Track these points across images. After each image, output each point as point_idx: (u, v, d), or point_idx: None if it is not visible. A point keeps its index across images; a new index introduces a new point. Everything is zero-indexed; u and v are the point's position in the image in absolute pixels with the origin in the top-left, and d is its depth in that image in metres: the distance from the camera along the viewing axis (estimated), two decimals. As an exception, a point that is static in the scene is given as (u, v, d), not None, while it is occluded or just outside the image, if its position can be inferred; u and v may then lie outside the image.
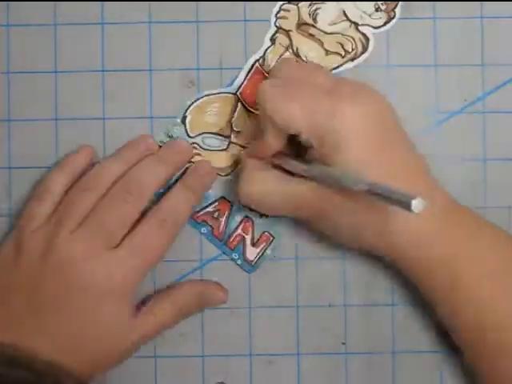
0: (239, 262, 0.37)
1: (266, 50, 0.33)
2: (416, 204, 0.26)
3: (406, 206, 0.26)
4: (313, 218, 0.33)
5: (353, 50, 0.32)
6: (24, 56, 0.38)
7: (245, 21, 0.37)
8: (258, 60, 0.34)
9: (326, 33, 0.32)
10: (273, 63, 0.33)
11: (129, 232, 0.33)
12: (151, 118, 0.38)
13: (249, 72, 0.34)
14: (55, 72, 0.38)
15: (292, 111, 0.30)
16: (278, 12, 0.32)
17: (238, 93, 0.34)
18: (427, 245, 0.31)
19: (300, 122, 0.30)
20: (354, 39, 0.32)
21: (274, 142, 0.32)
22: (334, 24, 0.31)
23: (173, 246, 0.34)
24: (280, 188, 0.32)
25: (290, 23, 0.32)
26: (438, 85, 0.38)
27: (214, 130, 0.35)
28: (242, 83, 0.34)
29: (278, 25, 0.32)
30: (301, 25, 0.31)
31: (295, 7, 0.32)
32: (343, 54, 0.32)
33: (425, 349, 0.37)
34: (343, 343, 0.37)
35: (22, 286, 0.32)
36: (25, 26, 0.38)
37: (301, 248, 0.37)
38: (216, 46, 0.38)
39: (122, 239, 0.33)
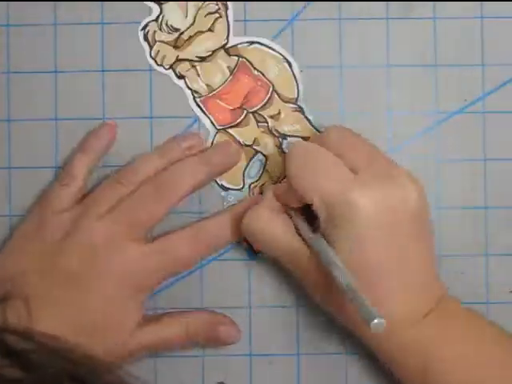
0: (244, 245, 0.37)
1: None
2: (375, 324, 0.26)
3: (367, 322, 0.26)
4: (302, 279, 0.33)
5: (216, 20, 0.35)
6: (24, 56, 0.38)
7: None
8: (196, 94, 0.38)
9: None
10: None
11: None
12: (151, 118, 0.38)
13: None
14: (55, 72, 0.38)
15: (307, 182, 0.30)
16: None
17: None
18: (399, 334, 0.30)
19: (311, 194, 0.30)
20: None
21: (294, 199, 0.32)
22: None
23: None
24: (282, 238, 0.32)
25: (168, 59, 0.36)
26: (438, 85, 0.38)
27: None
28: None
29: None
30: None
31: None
32: (213, 29, 0.36)
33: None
34: (343, 344, 0.37)
35: (40, 260, 0.32)
36: (25, 26, 0.38)
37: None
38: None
39: (154, 239, 0.33)
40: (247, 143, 0.37)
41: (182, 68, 0.37)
